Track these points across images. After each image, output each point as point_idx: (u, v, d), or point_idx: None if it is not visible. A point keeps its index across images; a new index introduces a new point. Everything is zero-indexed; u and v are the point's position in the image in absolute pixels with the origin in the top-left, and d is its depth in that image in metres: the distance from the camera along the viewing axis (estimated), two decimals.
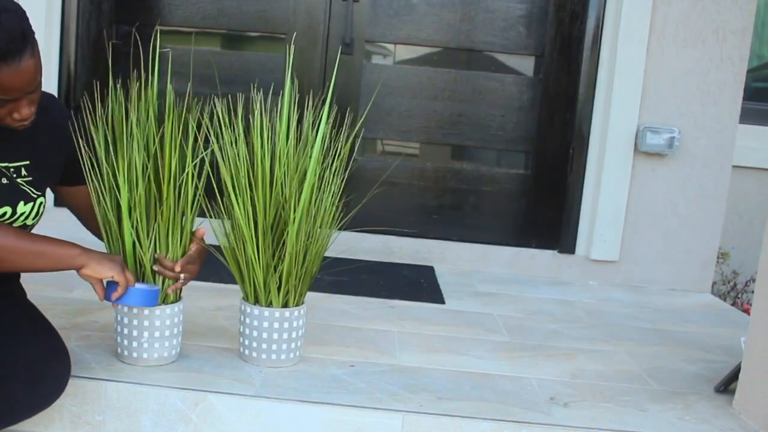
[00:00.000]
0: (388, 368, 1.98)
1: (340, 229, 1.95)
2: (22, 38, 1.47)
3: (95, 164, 1.75)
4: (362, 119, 3.06)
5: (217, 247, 1.89)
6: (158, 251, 1.77)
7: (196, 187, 1.79)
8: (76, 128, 1.74)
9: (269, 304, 1.85)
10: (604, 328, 2.55)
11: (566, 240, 3.24)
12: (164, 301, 1.82)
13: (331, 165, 1.86)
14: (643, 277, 3.21)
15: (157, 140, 1.75)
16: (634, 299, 2.99)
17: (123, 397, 1.73)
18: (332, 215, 1.88)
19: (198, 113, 1.80)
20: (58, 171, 1.79)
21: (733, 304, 3.55)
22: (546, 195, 3.28)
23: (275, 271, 1.82)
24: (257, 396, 1.74)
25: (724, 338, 2.55)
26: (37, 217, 1.72)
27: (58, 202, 2.04)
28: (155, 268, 1.77)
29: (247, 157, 1.80)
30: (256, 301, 1.87)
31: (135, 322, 1.79)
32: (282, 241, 1.81)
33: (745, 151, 3.63)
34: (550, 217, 3.27)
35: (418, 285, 2.87)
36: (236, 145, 1.80)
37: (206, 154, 1.80)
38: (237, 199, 1.80)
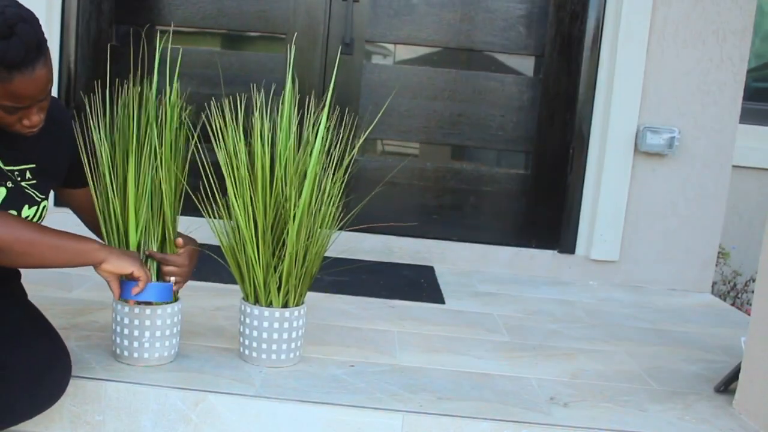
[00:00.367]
0: (388, 368, 1.98)
1: (340, 229, 1.96)
2: (37, 48, 1.48)
3: (99, 165, 1.75)
4: (371, 121, 3.06)
5: (217, 247, 1.89)
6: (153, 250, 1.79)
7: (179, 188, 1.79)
8: (78, 130, 1.75)
9: (269, 304, 1.85)
10: (604, 328, 2.55)
11: (566, 240, 3.24)
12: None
13: (331, 165, 1.86)
14: (643, 277, 3.21)
15: (157, 142, 1.75)
16: (634, 299, 2.99)
17: (123, 397, 1.73)
18: (332, 215, 1.88)
19: (198, 113, 1.81)
20: (62, 174, 1.80)
21: (733, 304, 3.55)
22: (546, 195, 3.29)
23: (275, 271, 1.82)
24: (257, 396, 1.74)
25: (724, 338, 2.55)
26: (40, 221, 1.72)
27: (58, 202, 2.04)
28: (166, 269, 1.79)
29: (248, 157, 1.80)
30: (256, 301, 1.87)
31: (136, 322, 1.79)
32: (282, 241, 1.81)
33: (745, 151, 3.63)
34: (550, 217, 3.28)
35: (418, 285, 2.87)
36: (236, 145, 1.80)
37: (206, 154, 1.80)
38: (237, 199, 1.80)
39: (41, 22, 1.55)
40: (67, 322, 2.08)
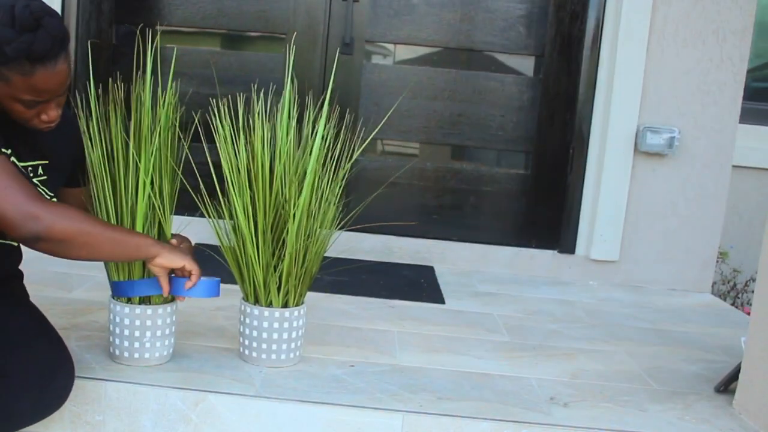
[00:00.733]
0: (388, 368, 1.98)
1: (340, 229, 1.96)
2: (61, 42, 1.51)
3: (94, 165, 1.75)
4: (371, 121, 3.06)
5: (217, 247, 1.89)
6: None
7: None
8: (82, 130, 1.76)
9: (269, 304, 1.85)
10: (604, 328, 2.55)
11: (566, 240, 3.24)
12: (155, 300, 1.82)
13: (331, 165, 1.86)
14: (643, 277, 3.21)
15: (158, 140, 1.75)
16: (634, 299, 2.99)
17: (123, 397, 1.73)
18: (332, 215, 1.88)
19: (198, 113, 1.81)
20: (69, 171, 1.80)
21: (733, 304, 3.55)
22: (546, 195, 3.29)
23: (275, 271, 1.82)
24: (257, 396, 1.74)
25: (724, 338, 2.55)
26: None
27: None
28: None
29: (248, 157, 1.80)
30: (256, 301, 1.87)
31: (137, 322, 1.79)
32: (282, 241, 1.81)
33: (745, 151, 3.63)
34: (550, 217, 3.27)
35: (418, 285, 2.87)
36: (237, 144, 1.80)
37: (207, 154, 1.80)
38: (237, 199, 1.80)
39: None
40: (67, 322, 2.08)
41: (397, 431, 1.72)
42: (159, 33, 1.94)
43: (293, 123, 1.83)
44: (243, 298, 1.89)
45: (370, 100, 3.23)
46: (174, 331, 1.87)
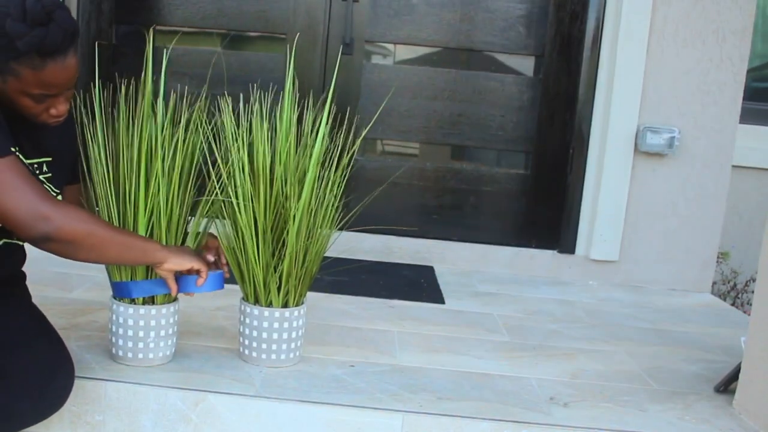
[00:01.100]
0: (388, 368, 1.98)
1: (340, 229, 1.95)
2: (72, 36, 1.52)
3: (98, 165, 1.75)
4: (371, 121, 3.06)
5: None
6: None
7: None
8: (81, 128, 1.76)
9: (269, 304, 1.85)
10: (604, 328, 2.55)
11: (566, 240, 3.24)
12: (159, 300, 1.82)
13: (331, 165, 1.86)
14: (643, 277, 3.21)
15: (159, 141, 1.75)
16: (634, 299, 2.99)
17: (123, 397, 1.73)
18: (332, 215, 1.88)
19: (198, 113, 1.81)
20: (71, 168, 1.80)
21: (733, 304, 3.55)
22: (546, 195, 3.28)
23: (275, 271, 1.82)
24: (257, 396, 1.74)
25: (724, 338, 2.55)
26: None
27: None
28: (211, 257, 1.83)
29: (248, 157, 1.80)
30: (256, 301, 1.87)
31: (142, 322, 1.79)
32: (282, 241, 1.81)
33: (745, 151, 3.62)
34: (550, 217, 3.27)
35: (418, 285, 2.87)
36: (237, 144, 1.80)
37: (207, 154, 1.80)
38: (237, 199, 1.80)
39: None
40: (67, 322, 2.08)
41: (397, 431, 1.72)
42: (157, 33, 1.94)
43: (293, 123, 1.83)
44: (243, 298, 1.89)
45: (370, 100, 3.23)
46: (177, 330, 1.87)
